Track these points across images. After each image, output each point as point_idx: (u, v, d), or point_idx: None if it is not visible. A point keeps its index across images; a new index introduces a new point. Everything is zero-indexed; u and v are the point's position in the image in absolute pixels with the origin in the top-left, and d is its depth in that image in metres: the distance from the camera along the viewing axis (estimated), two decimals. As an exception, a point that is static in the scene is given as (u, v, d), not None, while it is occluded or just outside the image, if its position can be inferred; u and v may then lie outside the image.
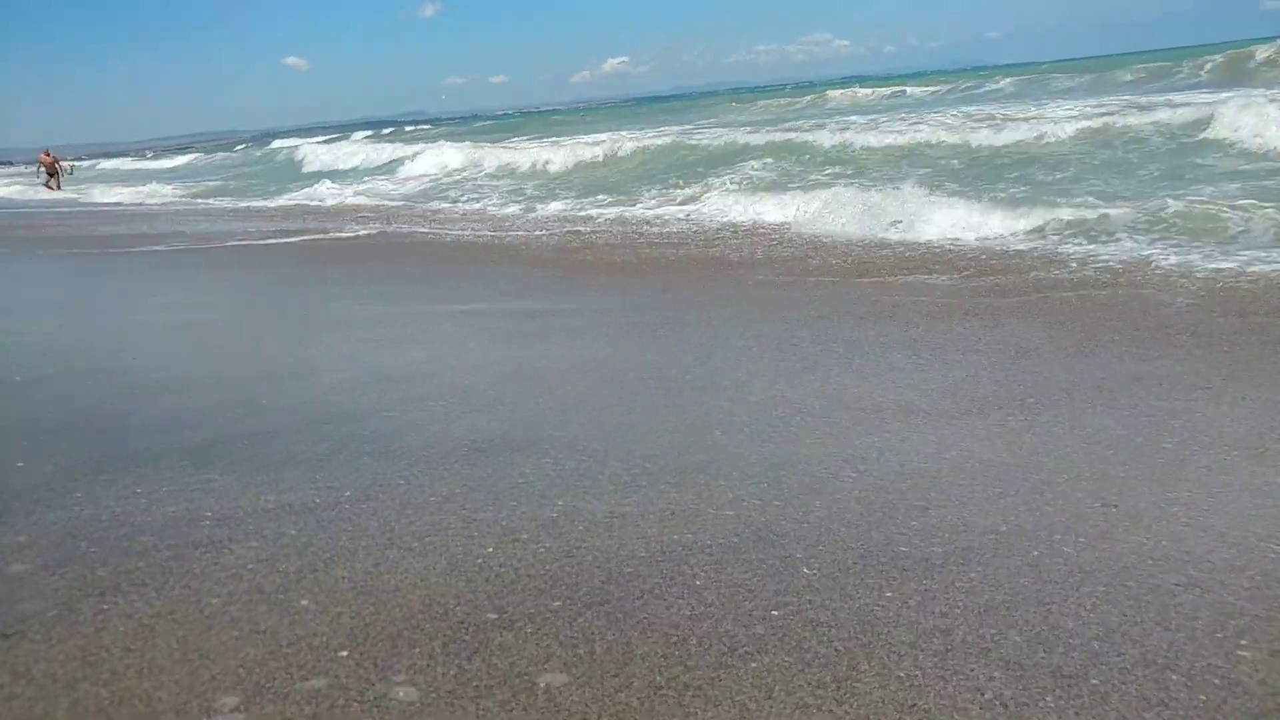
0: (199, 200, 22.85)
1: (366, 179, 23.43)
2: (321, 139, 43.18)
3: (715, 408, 3.83)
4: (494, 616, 2.24)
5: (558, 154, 20.52)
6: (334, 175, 25.13)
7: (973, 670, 1.97)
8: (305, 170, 29.30)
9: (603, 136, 23.78)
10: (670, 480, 3.05)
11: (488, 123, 56.46)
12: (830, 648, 2.06)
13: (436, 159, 23.66)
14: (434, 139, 31.39)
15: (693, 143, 19.27)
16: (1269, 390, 3.81)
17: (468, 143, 26.49)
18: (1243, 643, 2.03)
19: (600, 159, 19.61)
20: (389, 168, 25.13)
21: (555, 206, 14.19)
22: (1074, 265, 6.81)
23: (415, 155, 24.65)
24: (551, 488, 3.01)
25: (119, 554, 2.61)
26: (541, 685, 1.96)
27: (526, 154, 21.52)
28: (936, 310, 5.63)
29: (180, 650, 2.11)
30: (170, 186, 29.27)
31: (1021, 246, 7.78)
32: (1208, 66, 25.01)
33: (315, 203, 18.39)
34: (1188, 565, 2.39)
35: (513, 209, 14.54)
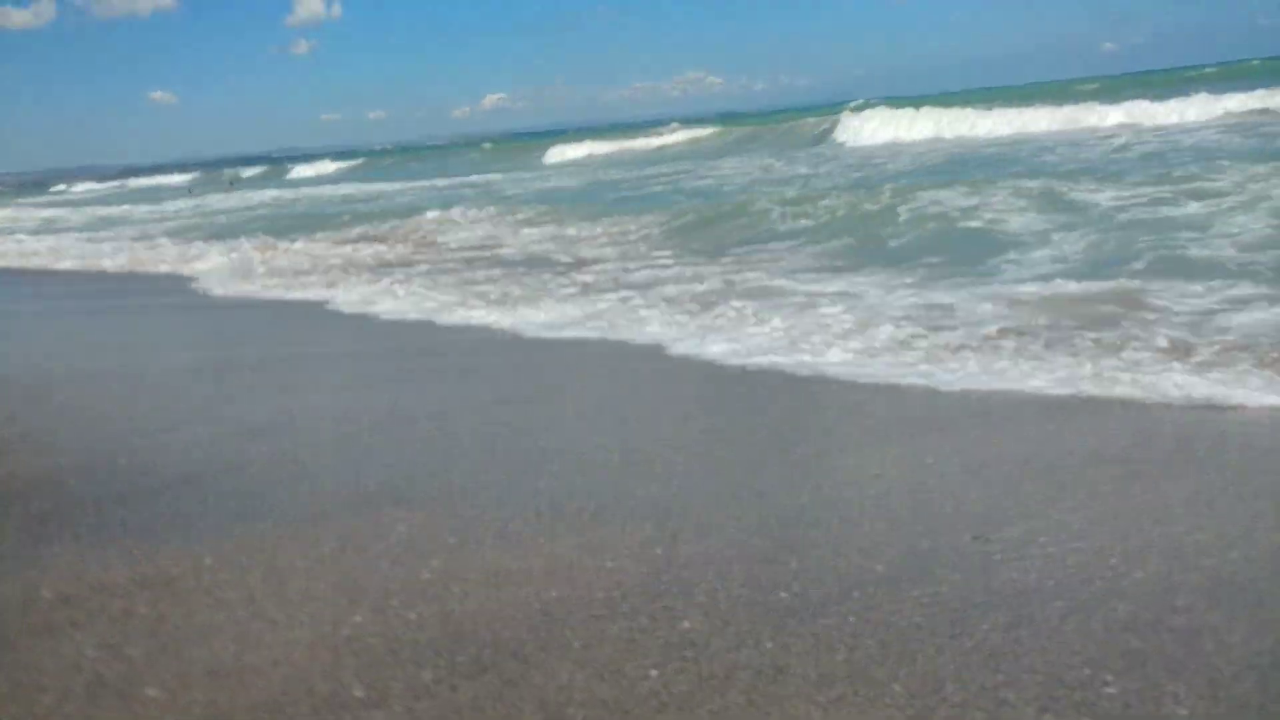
0: None
1: None
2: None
3: (599, 449, 3.76)
4: (361, 694, 2.10)
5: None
6: None
7: (865, 717, 1.94)
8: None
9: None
10: (553, 531, 2.96)
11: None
12: (715, 704, 2.01)
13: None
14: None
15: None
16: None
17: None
18: (1108, 678, 2.06)
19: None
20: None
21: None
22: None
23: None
24: (428, 545, 2.88)
25: (-62, 648, 2.36)
26: (411, 770, 1.84)
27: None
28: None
29: (5, 758, 1.91)
30: None
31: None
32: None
33: None
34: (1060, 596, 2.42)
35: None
